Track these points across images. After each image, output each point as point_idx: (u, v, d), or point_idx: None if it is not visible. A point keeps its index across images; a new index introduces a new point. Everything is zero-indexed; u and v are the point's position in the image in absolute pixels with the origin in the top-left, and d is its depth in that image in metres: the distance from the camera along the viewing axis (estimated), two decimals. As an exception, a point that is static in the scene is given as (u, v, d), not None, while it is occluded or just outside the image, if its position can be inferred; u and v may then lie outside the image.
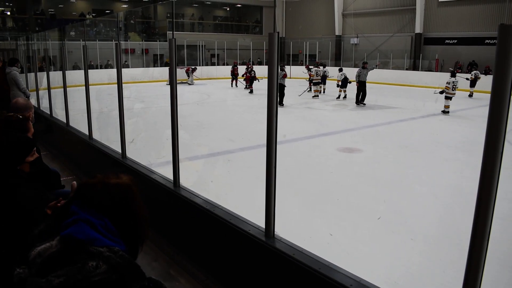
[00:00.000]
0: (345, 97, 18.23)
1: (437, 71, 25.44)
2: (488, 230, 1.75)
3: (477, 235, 1.77)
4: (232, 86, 23.31)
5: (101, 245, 1.08)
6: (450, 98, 13.92)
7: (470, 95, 19.28)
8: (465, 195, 5.68)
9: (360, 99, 15.98)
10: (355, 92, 16.40)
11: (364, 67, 16.19)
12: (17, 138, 2.35)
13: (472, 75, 19.35)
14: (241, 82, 22.48)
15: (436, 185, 6.49)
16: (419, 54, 27.07)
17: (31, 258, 1.09)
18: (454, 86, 13.94)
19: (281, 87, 14.90)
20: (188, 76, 23.70)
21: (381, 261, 4.14)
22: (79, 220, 1.12)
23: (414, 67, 26.88)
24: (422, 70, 26.31)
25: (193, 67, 24.03)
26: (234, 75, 23.31)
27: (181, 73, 24.97)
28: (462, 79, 17.75)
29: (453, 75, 14.34)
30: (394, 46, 28.31)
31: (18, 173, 2.25)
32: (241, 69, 22.87)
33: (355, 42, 31.37)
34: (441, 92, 14.07)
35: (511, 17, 22.76)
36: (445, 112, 14.03)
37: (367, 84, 16.32)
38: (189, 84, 22.98)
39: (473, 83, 19.05)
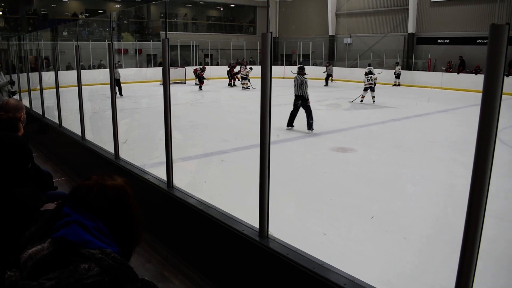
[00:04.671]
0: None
1: (430, 71, 25.59)
2: (480, 229, 1.76)
3: (469, 234, 1.78)
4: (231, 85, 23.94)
5: (93, 247, 1.08)
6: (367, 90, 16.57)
7: (396, 85, 24.94)
8: (457, 194, 5.71)
9: (307, 124, 10.41)
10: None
11: (301, 73, 10.51)
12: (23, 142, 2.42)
13: (396, 69, 25.24)
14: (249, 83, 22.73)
15: (429, 184, 6.52)
16: (412, 54, 27.19)
17: (22, 261, 1.08)
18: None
19: None
20: (197, 76, 23.53)
21: (375, 260, 4.15)
22: (72, 222, 1.11)
23: (407, 67, 27.00)
24: (415, 70, 26.45)
25: (200, 67, 23.75)
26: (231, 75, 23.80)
27: (174, 73, 24.89)
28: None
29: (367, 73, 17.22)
30: (387, 46, 28.41)
31: (15, 173, 2.28)
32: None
33: (349, 42, 31.47)
34: (374, 85, 16.57)
35: (502, 17, 22.93)
36: (361, 101, 16.60)
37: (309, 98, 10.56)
38: (196, 84, 22.85)
39: (398, 76, 25.04)
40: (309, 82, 10.60)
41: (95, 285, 1.02)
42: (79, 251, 1.06)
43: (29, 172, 2.44)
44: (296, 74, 10.62)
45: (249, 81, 21.96)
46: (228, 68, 24.37)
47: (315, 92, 21.75)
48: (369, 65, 24.27)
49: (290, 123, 10.65)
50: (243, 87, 22.25)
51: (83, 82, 6.34)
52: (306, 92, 10.28)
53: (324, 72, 26.09)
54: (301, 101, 10.36)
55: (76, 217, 1.12)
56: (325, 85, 25.36)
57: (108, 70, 5.28)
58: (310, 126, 10.34)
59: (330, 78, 26.44)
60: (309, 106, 10.37)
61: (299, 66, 11.25)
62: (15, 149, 2.34)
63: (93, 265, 1.04)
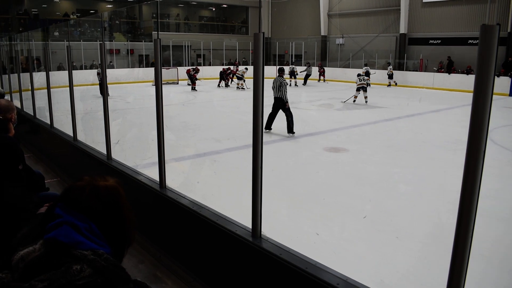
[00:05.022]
0: (296, 84, 25.09)
1: (421, 71, 25.73)
2: (471, 228, 1.78)
3: (461, 233, 1.79)
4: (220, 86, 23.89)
5: (85, 248, 1.07)
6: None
7: (391, 85, 25.04)
8: (449, 194, 5.74)
9: (287, 127, 10.07)
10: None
11: (280, 75, 10.48)
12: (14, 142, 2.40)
13: (388, 70, 25.40)
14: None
15: (421, 183, 6.56)
16: (403, 54, 27.34)
17: (13, 262, 1.07)
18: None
19: None
20: (189, 77, 23.46)
21: (368, 259, 4.17)
22: (63, 223, 1.10)
23: (399, 67, 27.14)
24: (407, 70, 26.60)
25: (193, 67, 23.68)
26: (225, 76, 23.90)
27: (166, 73, 24.80)
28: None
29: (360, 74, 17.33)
30: (379, 46, 28.55)
31: (6, 174, 2.26)
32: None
33: (341, 43, 31.56)
34: (367, 85, 16.92)
35: (493, 17, 23.12)
36: (354, 101, 16.62)
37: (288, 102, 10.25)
38: (189, 84, 22.82)
39: (390, 76, 25.17)
40: (301, 82, 10.64)
41: (87, 286, 1.01)
42: (71, 252, 1.05)
43: (20, 173, 2.41)
44: (277, 76, 10.38)
45: (244, 81, 22.01)
46: (222, 70, 24.32)
47: (307, 93, 21.87)
48: (366, 65, 24.89)
49: (268, 126, 10.33)
50: (237, 87, 22.26)
51: (74, 82, 6.30)
52: (286, 95, 10.06)
53: (302, 72, 26.10)
54: (280, 103, 10.10)
55: (67, 218, 1.11)
56: (303, 84, 25.71)
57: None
58: (290, 129, 10.00)
59: (309, 77, 26.44)
60: (288, 109, 10.09)
61: (278, 67, 11.00)
62: (6, 150, 2.31)
63: (85, 266, 1.03)
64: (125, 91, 21.05)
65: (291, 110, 10.19)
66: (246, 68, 22.75)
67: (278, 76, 10.36)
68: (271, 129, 10.40)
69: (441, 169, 7.31)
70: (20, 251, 1.08)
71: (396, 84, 25.12)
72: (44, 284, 0.99)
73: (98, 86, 18.05)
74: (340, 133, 10.77)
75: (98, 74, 18.98)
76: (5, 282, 1.04)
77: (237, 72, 22.94)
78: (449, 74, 23.49)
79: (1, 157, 2.28)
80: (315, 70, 27.23)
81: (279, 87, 10.06)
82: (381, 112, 14.71)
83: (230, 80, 24.09)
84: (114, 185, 1.23)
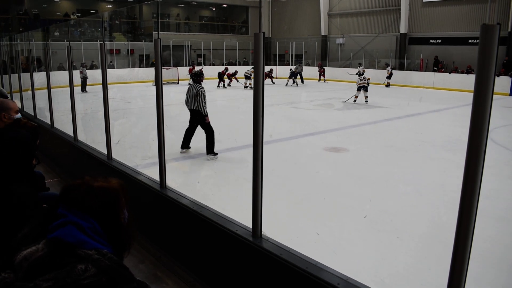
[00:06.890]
0: (296, 83, 25.11)
1: (422, 71, 25.72)
2: (472, 228, 1.78)
3: (461, 233, 1.79)
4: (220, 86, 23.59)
5: (89, 248, 1.07)
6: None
7: (388, 85, 24.90)
8: (449, 193, 5.75)
9: (207, 147, 7.92)
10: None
11: (198, 80, 8.43)
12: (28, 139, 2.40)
13: (387, 70, 25.25)
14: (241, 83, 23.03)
15: (421, 183, 6.55)
16: (404, 54, 27.34)
17: (16, 262, 1.07)
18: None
19: None
20: (191, 77, 23.31)
21: (368, 259, 4.17)
22: (68, 222, 1.11)
23: (400, 67, 27.14)
24: (408, 70, 26.60)
25: (199, 67, 23.65)
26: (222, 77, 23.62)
27: (166, 73, 24.81)
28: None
29: (360, 74, 17.43)
30: (380, 46, 28.56)
31: (16, 170, 2.24)
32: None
33: (341, 42, 31.55)
34: (368, 85, 16.63)
35: (493, 17, 23.11)
36: (355, 101, 16.72)
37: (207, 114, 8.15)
38: (190, 84, 22.85)
39: (389, 76, 25.03)
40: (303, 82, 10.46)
41: (92, 286, 1.01)
42: (75, 252, 1.05)
43: (26, 171, 2.39)
44: (192, 83, 8.43)
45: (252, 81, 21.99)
46: (225, 72, 24.17)
47: (307, 92, 21.86)
48: (360, 64, 25.10)
49: (185, 145, 8.24)
50: (245, 87, 22.18)
51: (74, 82, 6.30)
52: (203, 106, 7.93)
53: (292, 71, 26.00)
54: (198, 117, 7.99)
55: (72, 218, 1.12)
56: (302, 83, 25.86)
57: (99, 70, 5.26)
58: (210, 149, 7.88)
59: (297, 77, 26.24)
60: (208, 124, 7.95)
61: (194, 72, 9.08)
62: (18, 146, 2.28)
63: (90, 265, 1.04)
64: (126, 91, 21.05)
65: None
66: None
67: (194, 82, 8.34)
68: (189, 148, 8.31)
69: (441, 169, 7.31)
70: (23, 250, 1.09)
71: (387, 84, 24.88)
72: (49, 284, 0.99)
73: (95, 86, 18.10)
74: (340, 133, 10.77)
75: (80, 72, 20.08)
76: (9, 282, 1.04)
77: (247, 71, 22.94)
78: (449, 73, 23.44)
79: (14, 154, 2.24)
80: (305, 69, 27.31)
81: (195, 96, 7.98)
82: (381, 112, 14.70)
83: (230, 80, 24.01)
84: (111, 186, 1.23)
